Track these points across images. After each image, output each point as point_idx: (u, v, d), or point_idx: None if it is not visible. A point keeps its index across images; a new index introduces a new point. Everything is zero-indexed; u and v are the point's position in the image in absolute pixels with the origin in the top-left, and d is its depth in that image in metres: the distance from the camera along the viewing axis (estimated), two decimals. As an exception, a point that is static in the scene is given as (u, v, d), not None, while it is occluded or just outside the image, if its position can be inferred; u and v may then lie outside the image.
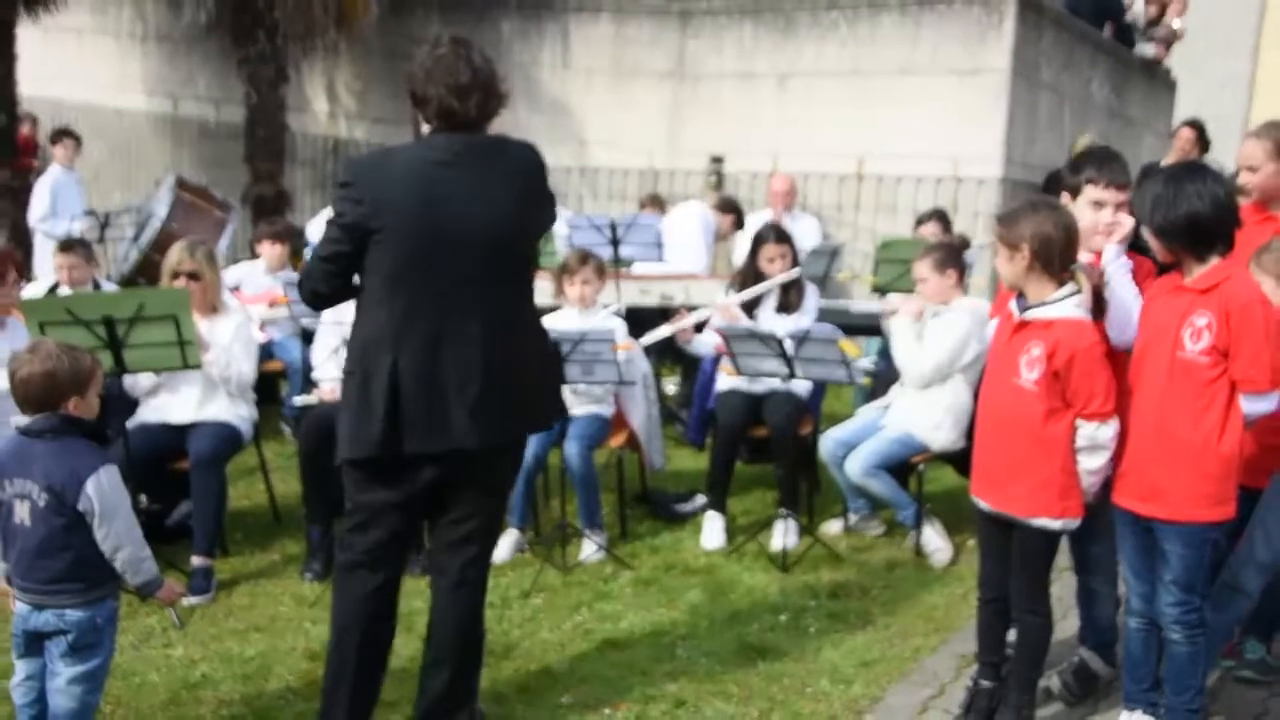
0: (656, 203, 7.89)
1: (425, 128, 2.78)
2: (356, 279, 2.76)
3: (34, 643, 2.67)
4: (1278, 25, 14.49)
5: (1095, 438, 2.85)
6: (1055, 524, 2.91)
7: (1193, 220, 2.75)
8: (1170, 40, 9.82)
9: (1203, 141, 7.39)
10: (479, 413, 2.68)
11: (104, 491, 2.62)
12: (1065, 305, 2.85)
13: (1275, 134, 3.37)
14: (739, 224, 7.09)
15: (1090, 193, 3.03)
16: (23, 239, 8.22)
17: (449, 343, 2.68)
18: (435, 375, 2.67)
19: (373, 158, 2.86)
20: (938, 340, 4.29)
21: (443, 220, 2.66)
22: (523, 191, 2.78)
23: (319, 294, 2.81)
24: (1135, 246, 3.01)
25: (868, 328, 5.43)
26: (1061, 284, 2.86)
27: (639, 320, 5.40)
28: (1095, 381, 2.82)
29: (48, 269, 6.31)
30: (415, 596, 3.50)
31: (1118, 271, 2.94)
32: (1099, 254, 3.00)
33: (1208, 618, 2.91)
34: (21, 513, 2.62)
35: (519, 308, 2.85)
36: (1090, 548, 3.23)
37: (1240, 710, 3.24)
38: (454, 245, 2.67)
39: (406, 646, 3.26)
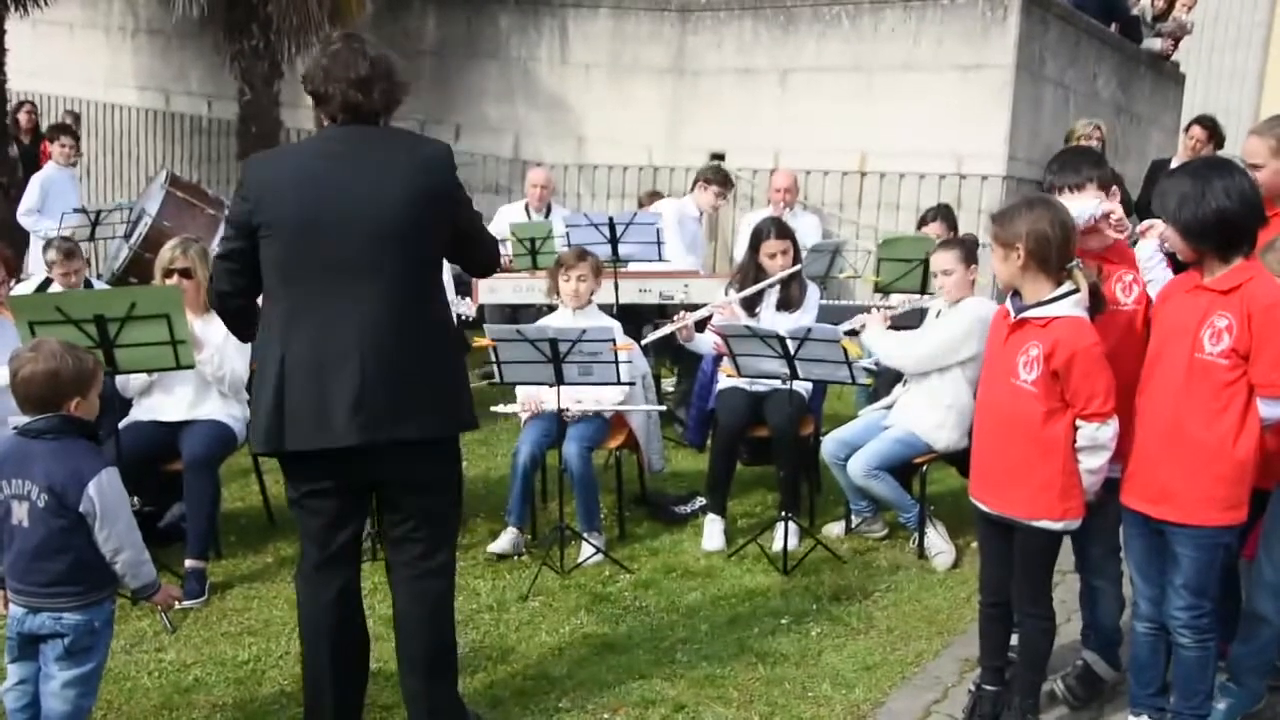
0: (656, 200, 7.83)
1: (326, 123, 2.74)
2: None
3: (28, 646, 2.64)
4: (1289, 19, 14.44)
5: (1096, 438, 2.81)
6: (1056, 525, 2.88)
7: (1222, 218, 2.68)
8: (1179, 34, 9.69)
9: (1216, 138, 7.30)
10: (360, 411, 2.60)
11: (106, 493, 2.60)
12: (1063, 304, 2.80)
13: (1278, 130, 3.31)
14: (726, 184, 7.01)
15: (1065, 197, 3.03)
16: (14, 236, 8.15)
17: (330, 338, 2.62)
18: (318, 372, 2.61)
19: (267, 154, 2.88)
20: (935, 331, 4.29)
21: (324, 214, 2.60)
22: (423, 188, 2.67)
23: (222, 292, 2.80)
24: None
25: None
26: (1059, 283, 2.82)
27: (633, 318, 5.35)
28: (1095, 382, 2.77)
29: (40, 266, 6.25)
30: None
31: (1159, 270, 2.95)
32: (1110, 248, 2.98)
33: (1237, 650, 2.85)
34: (20, 514, 2.60)
35: (414, 305, 2.70)
36: (1092, 548, 3.19)
37: (1252, 714, 3.20)
38: (337, 240, 2.61)
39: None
